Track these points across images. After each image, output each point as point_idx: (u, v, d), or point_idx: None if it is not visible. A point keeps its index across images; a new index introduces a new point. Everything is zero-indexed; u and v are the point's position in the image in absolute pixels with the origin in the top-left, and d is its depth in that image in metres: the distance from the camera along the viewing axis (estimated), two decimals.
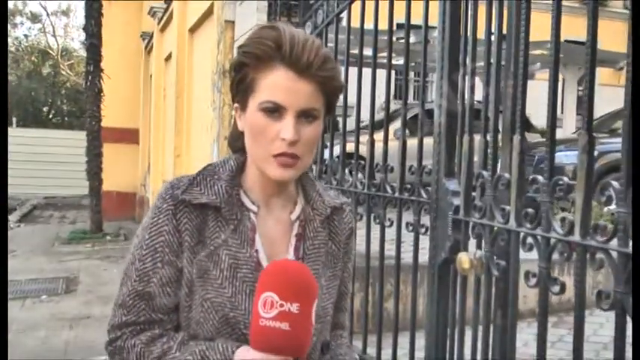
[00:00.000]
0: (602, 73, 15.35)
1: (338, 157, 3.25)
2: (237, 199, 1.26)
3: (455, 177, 2.23)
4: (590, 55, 1.63)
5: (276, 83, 1.18)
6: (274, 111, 1.19)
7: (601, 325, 4.74)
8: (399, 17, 2.63)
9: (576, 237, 1.65)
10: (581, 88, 17.28)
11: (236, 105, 1.27)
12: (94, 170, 11.16)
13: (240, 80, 1.23)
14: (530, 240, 1.82)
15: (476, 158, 2.14)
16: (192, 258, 1.22)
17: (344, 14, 3.32)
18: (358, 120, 3.43)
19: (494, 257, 1.98)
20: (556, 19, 1.69)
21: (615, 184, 1.55)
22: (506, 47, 2.12)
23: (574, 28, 5.12)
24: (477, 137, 2.12)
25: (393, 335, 2.78)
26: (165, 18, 10.85)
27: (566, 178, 1.73)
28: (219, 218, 1.24)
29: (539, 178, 1.79)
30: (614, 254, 1.54)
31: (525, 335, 3.90)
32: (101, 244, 10.58)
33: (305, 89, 1.18)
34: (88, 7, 11.04)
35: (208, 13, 6.51)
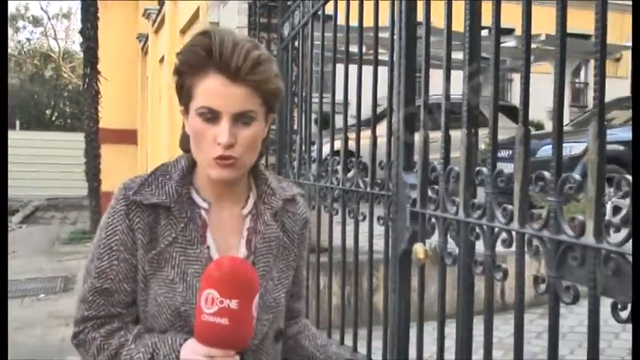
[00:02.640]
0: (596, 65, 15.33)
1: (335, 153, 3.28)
2: (187, 198, 1.31)
3: (413, 171, 2.31)
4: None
5: (210, 89, 1.22)
6: (210, 116, 1.23)
7: (562, 316, 4.80)
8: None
9: (515, 225, 1.74)
10: (576, 80, 17.31)
11: (181, 108, 1.32)
12: (93, 171, 11.27)
13: (180, 86, 1.29)
14: (477, 230, 1.91)
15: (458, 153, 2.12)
16: (145, 255, 1.29)
17: (325, 13, 3.40)
18: (333, 118, 3.51)
19: (448, 247, 2.07)
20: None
21: (547, 174, 1.63)
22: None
23: (568, 21, 5.16)
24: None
25: (368, 327, 2.86)
26: (158, 20, 10.95)
27: (506, 171, 1.81)
28: (170, 217, 1.29)
29: (484, 170, 1.88)
30: (547, 241, 1.62)
31: (512, 327, 3.99)
32: None
33: (238, 93, 1.22)
34: (84, 11, 11.14)
35: (197, 15, 6.62)
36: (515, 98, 10.52)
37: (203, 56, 1.22)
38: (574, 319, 4.61)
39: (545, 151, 5.69)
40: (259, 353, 1.34)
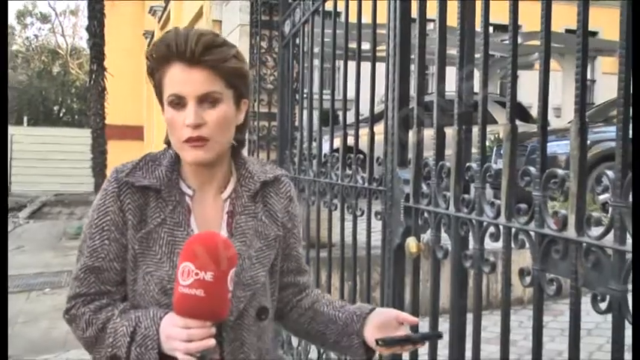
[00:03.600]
0: (604, 62, 15.42)
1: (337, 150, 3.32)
2: (176, 183, 1.40)
3: (408, 166, 2.35)
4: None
5: (173, 77, 1.33)
6: (178, 103, 1.33)
7: (562, 312, 4.84)
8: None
9: (502, 220, 1.78)
10: None
11: (162, 107, 1.41)
12: (99, 167, 11.36)
13: (155, 85, 1.39)
14: (467, 224, 1.95)
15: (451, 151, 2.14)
16: (135, 235, 1.37)
17: (325, 10, 3.43)
18: (333, 114, 3.55)
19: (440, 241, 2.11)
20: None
21: (532, 170, 1.67)
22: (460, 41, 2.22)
23: (574, 18, 5.16)
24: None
25: None
26: (164, 17, 11.02)
27: (494, 165, 1.85)
28: (159, 199, 1.38)
29: (473, 165, 1.92)
30: (533, 235, 1.66)
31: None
32: None
33: (198, 76, 1.31)
34: (90, 8, 11.21)
35: (200, 12, 6.67)
36: (521, 95, 10.53)
37: (165, 49, 1.33)
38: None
39: (549, 147, 5.70)
40: (240, 330, 1.40)
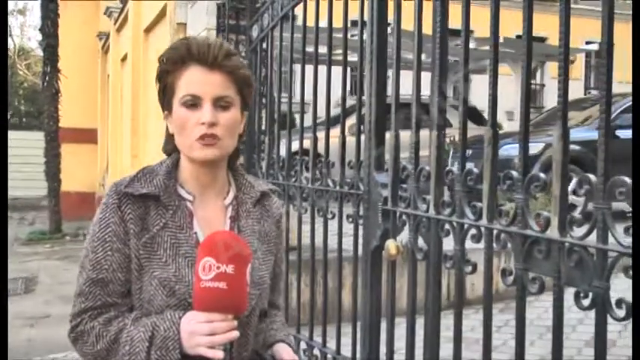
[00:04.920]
0: (553, 67, 15.90)
1: (295, 153, 3.35)
2: (174, 190, 1.43)
3: (385, 170, 2.39)
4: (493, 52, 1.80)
5: (191, 78, 1.38)
6: (193, 103, 1.37)
7: (546, 310, 4.96)
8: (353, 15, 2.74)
9: (484, 222, 1.83)
10: (532, 82, 17.76)
11: (165, 112, 1.44)
12: (53, 171, 11.10)
13: (163, 87, 1.42)
14: (447, 226, 2.00)
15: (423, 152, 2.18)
16: (138, 243, 1.38)
17: (294, 15, 3.45)
18: (302, 117, 3.57)
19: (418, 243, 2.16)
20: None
21: (515, 173, 1.73)
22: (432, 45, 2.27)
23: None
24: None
25: (337, 325, 2.92)
26: (121, 18, 10.85)
27: (476, 170, 1.90)
28: (159, 207, 1.40)
29: (454, 169, 1.97)
30: (514, 236, 1.72)
31: (472, 321, 4.10)
32: (60, 244, 10.55)
33: (216, 79, 1.38)
34: (44, 8, 10.96)
35: (162, 14, 6.60)
36: (474, 99, 10.75)
37: (184, 53, 1.39)
38: (533, 312, 4.75)
39: (505, 150, 5.83)
40: (247, 328, 1.43)
